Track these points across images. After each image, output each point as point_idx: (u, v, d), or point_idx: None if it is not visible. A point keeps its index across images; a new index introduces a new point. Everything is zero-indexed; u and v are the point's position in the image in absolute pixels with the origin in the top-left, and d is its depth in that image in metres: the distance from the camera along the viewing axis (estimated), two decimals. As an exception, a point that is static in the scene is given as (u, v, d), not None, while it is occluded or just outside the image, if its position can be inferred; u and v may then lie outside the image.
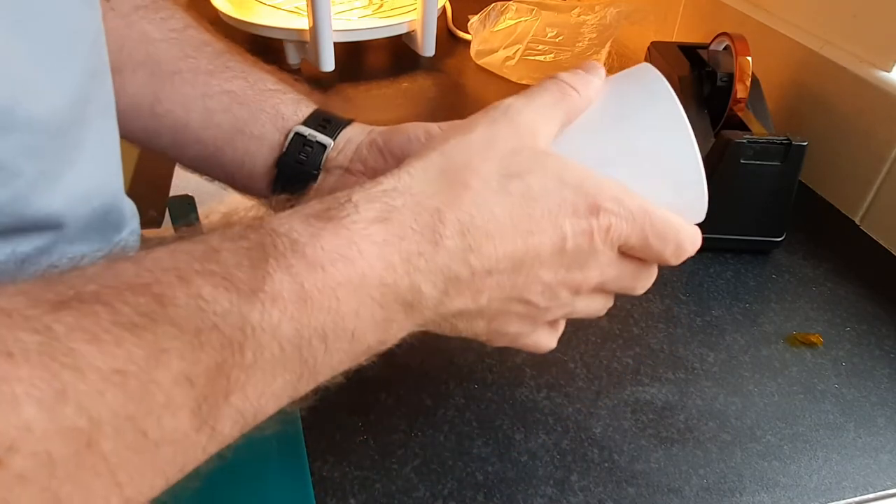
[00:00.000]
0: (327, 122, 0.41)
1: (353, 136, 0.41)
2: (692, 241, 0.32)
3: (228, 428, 0.21)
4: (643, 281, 0.32)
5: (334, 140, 0.40)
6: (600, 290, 0.32)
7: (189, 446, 0.20)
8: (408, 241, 0.24)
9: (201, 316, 0.20)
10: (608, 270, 0.30)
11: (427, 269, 0.25)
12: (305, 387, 0.23)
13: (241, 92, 0.41)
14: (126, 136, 0.41)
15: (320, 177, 0.40)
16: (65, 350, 0.17)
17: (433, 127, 0.39)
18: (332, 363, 0.23)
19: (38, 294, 0.19)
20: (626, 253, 0.30)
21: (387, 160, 0.39)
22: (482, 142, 0.27)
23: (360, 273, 0.23)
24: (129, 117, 0.40)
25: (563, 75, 0.31)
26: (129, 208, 0.36)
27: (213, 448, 0.21)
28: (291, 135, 0.40)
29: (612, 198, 0.28)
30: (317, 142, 0.40)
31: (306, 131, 0.40)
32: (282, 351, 0.21)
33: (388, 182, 0.26)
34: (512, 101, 0.29)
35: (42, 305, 0.18)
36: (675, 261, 0.31)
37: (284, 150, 0.40)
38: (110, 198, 0.31)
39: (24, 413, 0.16)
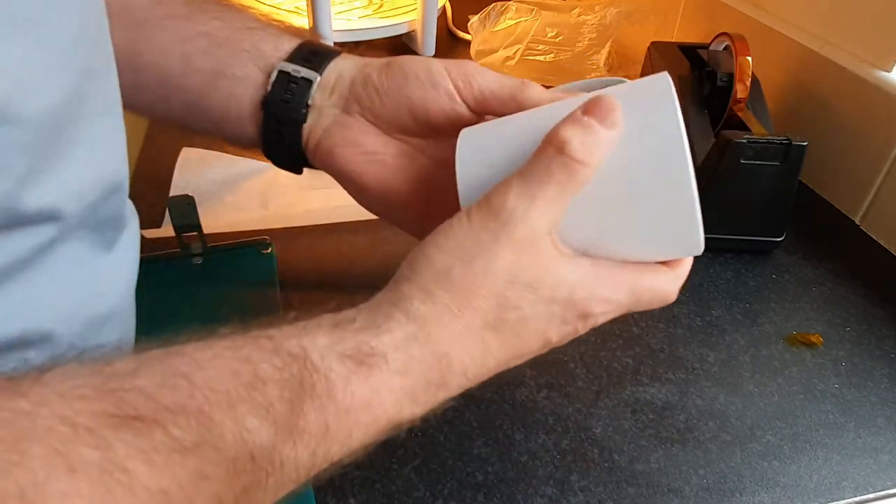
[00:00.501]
0: (313, 55, 0.38)
1: (345, 71, 0.38)
2: (676, 291, 0.33)
3: None
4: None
5: (321, 74, 0.38)
6: None
7: None
8: (419, 390, 0.28)
9: (243, 446, 0.22)
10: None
11: (426, 405, 0.28)
12: (301, 486, 0.26)
13: (218, 32, 0.38)
14: None
15: (312, 117, 0.38)
16: (121, 468, 0.19)
17: (434, 64, 0.36)
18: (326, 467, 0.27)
19: (99, 406, 0.20)
20: None
21: (384, 102, 0.37)
22: (484, 276, 0.28)
23: (375, 417, 0.26)
24: None
25: (571, 145, 0.28)
26: (129, 209, 0.35)
27: None
28: (275, 73, 0.37)
29: (602, 301, 0.30)
30: (301, 77, 0.37)
31: (290, 67, 0.37)
32: (297, 476, 0.25)
33: (408, 325, 0.28)
34: (515, 203, 0.28)
35: (103, 419, 0.20)
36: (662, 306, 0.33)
37: (269, 89, 0.37)
38: (109, 195, 0.30)
39: None
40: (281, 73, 0.37)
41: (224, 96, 0.38)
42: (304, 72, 0.37)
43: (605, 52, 0.81)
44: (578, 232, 0.30)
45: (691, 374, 0.46)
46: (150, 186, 0.62)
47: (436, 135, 0.37)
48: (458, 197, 0.33)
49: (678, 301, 0.51)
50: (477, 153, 0.32)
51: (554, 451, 0.41)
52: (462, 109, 0.36)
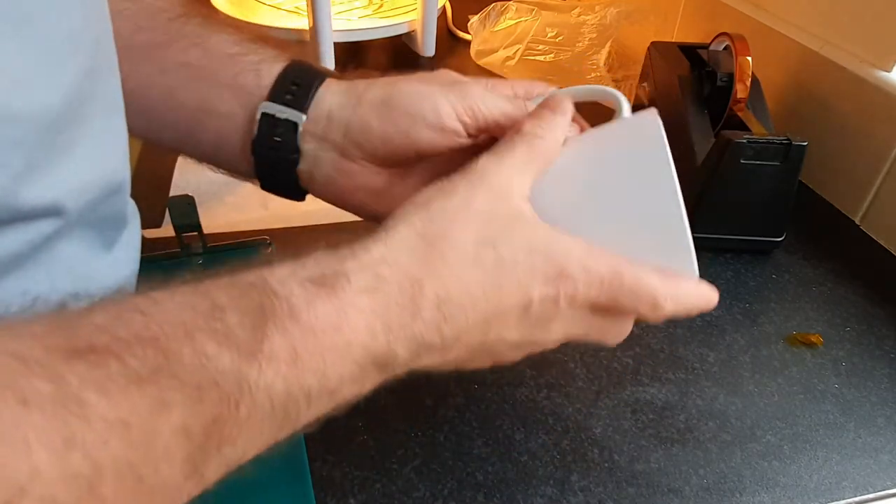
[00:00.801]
0: (296, 87, 0.36)
1: (335, 109, 0.36)
2: (672, 299, 0.31)
3: (214, 474, 0.23)
4: (612, 335, 0.33)
5: (306, 113, 0.36)
6: (568, 340, 0.33)
7: (178, 492, 0.22)
8: (390, 312, 0.27)
9: (203, 372, 0.22)
10: (574, 329, 0.32)
11: (404, 336, 0.27)
12: (284, 436, 0.25)
13: (197, 63, 0.37)
14: None
15: (307, 162, 0.37)
16: (76, 400, 0.19)
17: (442, 105, 0.35)
18: (311, 415, 0.26)
19: (52, 341, 0.20)
20: (599, 309, 0.31)
21: (387, 146, 0.36)
22: (460, 209, 0.29)
23: (346, 340, 0.25)
24: None
25: (528, 126, 0.32)
26: (131, 208, 0.35)
27: (196, 492, 0.23)
28: (259, 115, 0.36)
29: (578, 263, 0.30)
30: (286, 119, 0.36)
31: (273, 108, 0.36)
32: (272, 407, 0.23)
33: (377, 249, 0.28)
34: (485, 163, 0.31)
35: (56, 353, 0.19)
36: (653, 317, 0.32)
37: (255, 133, 0.36)
38: (110, 194, 0.30)
39: (34, 458, 0.17)
40: (264, 115, 0.36)
41: (213, 134, 0.37)
42: (289, 112, 0.36)
43: (605, 52, 0.81)
44: (558, 221, 0.31)
45: (691, 374, 0.46)
46: (150, 186, 0.62)
47: (436, 157, 0.37)
48: None
49: (678, 301, 0.52)
50: None
51: (554, 451, 0.41)
52: (466, 141, 0.36)
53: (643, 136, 0.31)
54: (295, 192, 0.39)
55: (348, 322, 0.25)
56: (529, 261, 0.29)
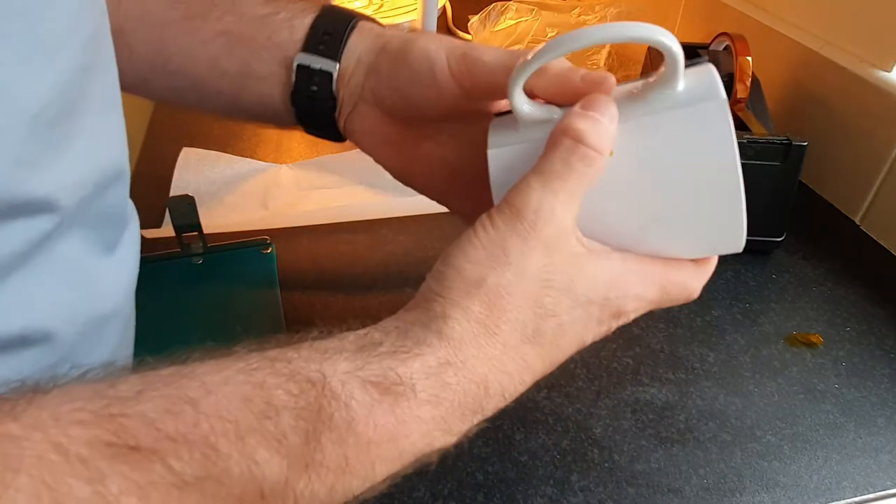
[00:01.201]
0: (328, 36, 0.37)
1: (363, 55, 0.37)
2: (700, 288, 0.32)
3: None
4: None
5: (339, 61, 0.37)
6: None
7: None
8: (453, 417, 0.26)
9: (250, 480, 0.21)
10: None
11: (461, 431, 0.27)
12: None
13: (234, 29, 0.38)
14: (159, 97, 0.41)
15: (342, 106, 0.38)
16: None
17: (438, 62, 0.34)
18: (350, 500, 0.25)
19: (96, 432, 0.19)
20: None
21: (392, 96, 0.37)
22: (516, 283, 0.27)
23: (400, 449, 0.25)
24: (150, 78, 0.39)
25: (589, 138, 0.28)
26: (130, 208, 0.35)
27: None
28: (295, 67, 0.37)
29: (635, 298, 0.30)
30: (320, 69, 0.37)
31: (307, 59, 0.37)
32: None
33: (440, 349, 0.26)
34: (539, 205, 0.27)
35: (99, 449, 0.19)
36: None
37: (293, 86, 0.37)
38: (107, 189, 0.30)
39: None
40: (300, 67, 0.37)
41: (256, 96, 0.39)
42: (322, 62, 0.37)
43: (605, 52, 0.81)
44: (609, 226, 0.29)
45: (691, 374, 0.46)
46: (150, 186, 0.62)
47: (445, 120, 0.37)
48: (477, 174, 0.33)
49: (678, 301, 0.52)
50: (510, 167, 0.30)
51: (554, 451, 0.41)
52: (473, 105, 0.35)
53: (706, 130, 0.28)
54: (337, 136, 0.40)
55: (406, 433, 0.24)
56: (587, 314, 0.29)
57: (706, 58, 0.31)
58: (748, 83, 0.56)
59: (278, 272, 0.53)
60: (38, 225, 0.26)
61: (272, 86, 0.38)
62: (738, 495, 0.39)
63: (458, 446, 0.39)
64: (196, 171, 0.63)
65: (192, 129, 0.70)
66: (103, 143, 0.30)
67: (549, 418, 0.43)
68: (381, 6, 0.87)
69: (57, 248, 0.27)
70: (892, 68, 0.58)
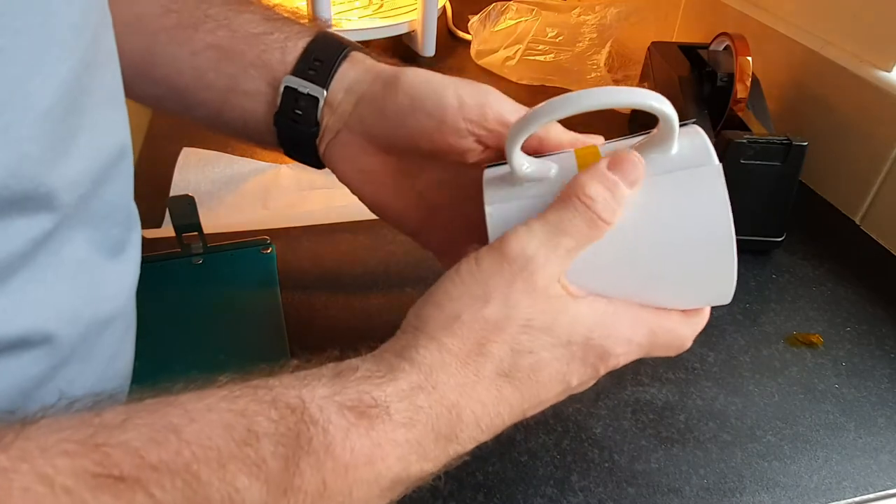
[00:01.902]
0: (319, 63, 0.37)
1: (354, 85, 0.37)
2: (695, 334, 0.32)
3: None
4: None
5: (328, 88, 0.36)
6: None
7: None
8: (427, 442, 0.26)
9: None
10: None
11: (437, 459, 0.27)
12: None
13: (225, 44, 0.37)
14: (141, 101, 0.40)
15: (324, 133, 0.38)
16: None
17: (448, 97, 0.34)
18: None
19: (82, 462, 0.19)
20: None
21: (386, 126, 0.36)
22: (496, 320, 0.27)
23: (377, 472, 0.25)
24: (133, 82, 0.38)
25: (600, 206, 0.28)
26: (134, 210, 0.35)
27: None
28: (282, 88, 0.37)
29: (623, 341, 0.29)
30: (308, 93, 0.36)
31: (296, 82, 0.36)
32: None
33: (413, 374, 0.26)
34: (535, 253, 0.28)
35: (84, 479, 0.19)
36: (676, 355, 0.33)
37: (278, 107, 0.37)
38: (108, 183, 0.30)
39: None
40: (287, 88, 0.37)
41: (238, 112, 0.38)
42: (310, 87, 0.36)
43: (605, 52, 0.81)
44: (600, 279, 0.29)
45: (691, 374, 0.46)
46: (150, 186, 0.62)
47: (436, 158, 0.36)
48: (455, 215, 0.35)
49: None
50: (507, 223, 0.30)
51: (554, 451, 0.41)
52: (469, 144, 0.35)
53: (704, 192, 0.29)
54: (316, 162, 0.39)
55: (382, 456, 0.25)
56: (569, 353, 0.28)
57: (694, 119, 0.32)
58: (748, 83, 0.56)
59: (278, 272, 0.53)
60: (40, 223, 0.26)
61: (257, 104, 0.38)
62: (738, 495, 0.39)
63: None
64: (196, 171, 0.63)
65: (192, 129, 0.70)
66: (105, 137, 0.30)
67: (550, 418, 0.43)
68: (381, 6, 0.87)
69: (63, 249, 0.27)
70: (892, 68, 0.58)
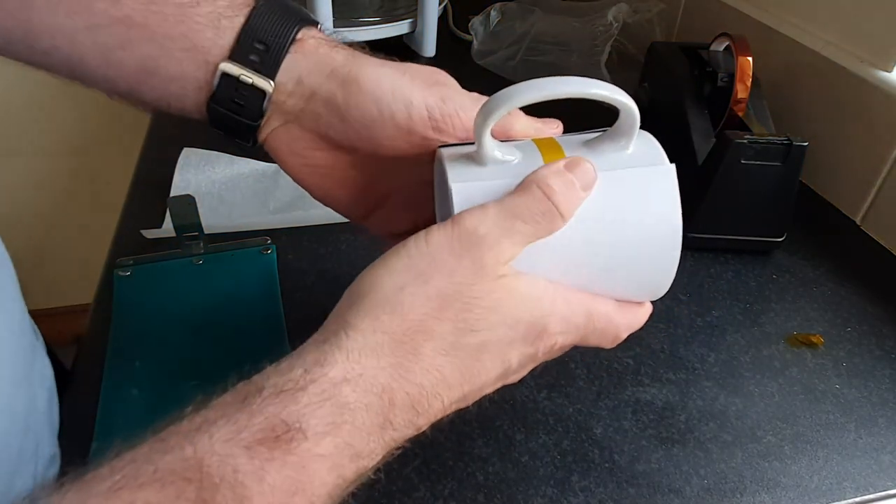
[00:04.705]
0: (262, 46, 0.32)
1: (306, 76, 0.33)
2: (628, 329, 0.32)
3: None
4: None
5: (275, 80, 0.32)
6: None
7: None
8: (358, 440, 0.24)
9: None
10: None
11: (373, 452, 0.25)
12: None
13: (138, 18, 0.31)
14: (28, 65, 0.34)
15: (268, 121, 0.34)
16: None
17: (415, 108, 0.32)
18: None
19: None
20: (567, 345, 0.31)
21: (344, 128, 0.33)
22: (440, 296, 0.26)
23: (310, 495, 0.23)
24: (7, 51, 0.33)
25: (559, 199, 0.28)
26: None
27: None
28: (218, 74, 0.32)
29: (561, 319, 0.29)
30: (252, 84, 0.32)
31: (235, 70, 0.32)
32: None
33: (337, 365, 0.24)
34: (487, 232, 0.27)
35: None
36: (609, 346, 0.33)
37: (213, 92, 0.32)
38: None
39: None
40: (225, 76, 0.32)
41: (158, 93, 0.34)
42: (256, 78, 0.32)
43: (605, 52, 0.81)
44: (548, 268, 0.30)
45: (692, 374, 0.46)
46: (150, 186, 0.62)
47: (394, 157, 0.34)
48: (410, 199, 0.35)
49: (678, 301, 0.52)
50: (470, 202, 0.30)
51: (554, 452, 0.41)
52: (433, 146, 0.33)
53: (659, 192, 0.30)
54: (252, 142, 0.36)
55: (309, 477, 0.23)
56: (511, 333, 0.28)
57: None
58: (748, 83, 0.56)
59: (278, 272, 0.53)
60: None
61: (183, 88, 0.33)
62: (738, 496, 0.39)
63: (459, 446, 0.39)
64: (197, 172, 0.63)
65: (192, 129, 0.70)
66: None
67: (550, 418, 0.42)
68: (381, 6, 0.87)
69: None
70: (892, 68, 0.58)
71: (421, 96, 0.32)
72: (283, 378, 0.24)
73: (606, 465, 0.40)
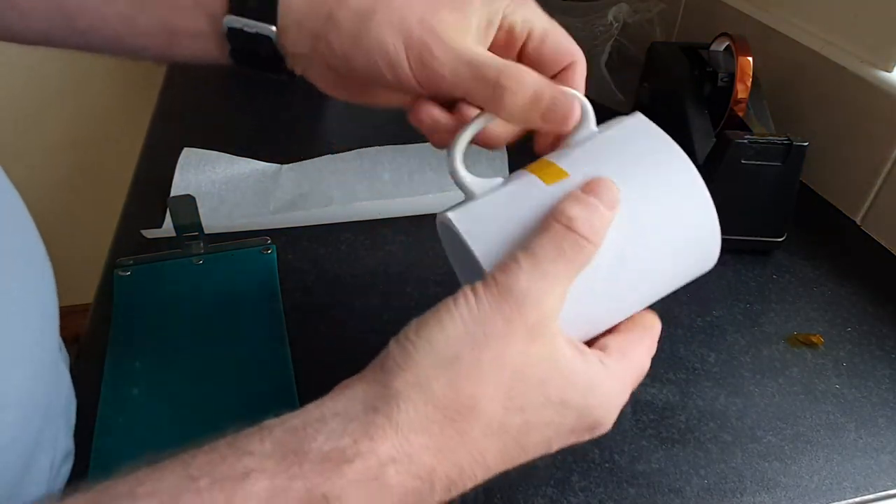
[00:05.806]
0: None
1: (304, 20, 0.33)
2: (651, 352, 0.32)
3: None
4: None
5: (277, 24, 0.33)
6: None
7: None
8: None
9: None
10: None
11: None
12: None
13: None
14: (77, 50, 0.36)
15: (292, 59, 0.35)
16: None
17: (393, 48, 0.31)
18: None
19: None
20: None
21: (346, 76, 0.34)
22: (491, 368, 0.25)
23: None
24: (53, 38, 0.35)
25: (581, 226, 0.27)
26: None
27: None
28: (224, 28, 0.33)
29: (616, 408, 0.28)
30: (256, 33, 0.33)
31: (238, 23, 0.32)
32: None
33: (385, 444, 0.24)
34: (527, 286, 0.26)
35: None
36: None
37: (230, 48, 0.34)
38: None
39: None
40: (232, 30, 0.33)
41: (188, 52, 0.35)
42: (258, 26, 0.32)
43: (605, 52, 0.81)
44: (595, 304, 0.29)
45: (692, 374, 0.46)
46: (150, 186, 0.62)
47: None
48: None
49: (679, 301, 0.52)
50: (485, 229, 0.30)
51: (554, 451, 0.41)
52: (418, 90, 0.33)
53: (644, 135, 0.31)
54: (287, 79, 0.36)
55: None
56: (559, 419, 0.27)
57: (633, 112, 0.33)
58: (748, 83, 0.56)
59: (278, 272, 0.53)
60: None
61: (207, 43, 0.34)
62: (738, 496, 0.39)
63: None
64: (197, 171, 0.63)
65: (193, 129, 0.70)
66: None
67: (550, 418, 0.42)
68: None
69: None
70: (892, 68, 0.58)
71: (402, 52, 0.31)
72: (331, 444, 0.23)
73: (606, 465, 0.40)
